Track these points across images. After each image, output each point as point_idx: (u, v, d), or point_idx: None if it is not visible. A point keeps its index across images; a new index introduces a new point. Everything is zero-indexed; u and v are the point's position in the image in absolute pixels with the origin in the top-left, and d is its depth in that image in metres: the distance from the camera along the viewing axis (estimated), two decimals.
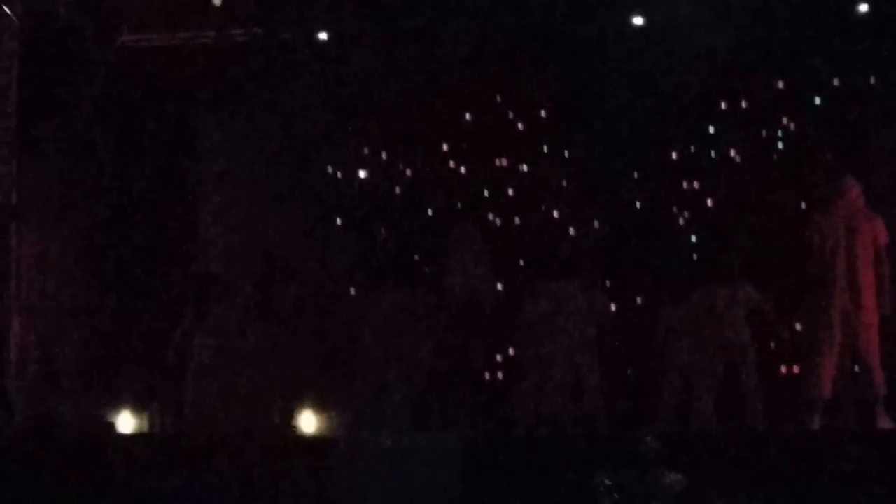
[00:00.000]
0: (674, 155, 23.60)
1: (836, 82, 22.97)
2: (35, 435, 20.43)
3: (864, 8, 21.76)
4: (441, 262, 21.97)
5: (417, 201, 24.05)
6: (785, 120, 23.25)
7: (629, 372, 20.71)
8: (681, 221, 23.71)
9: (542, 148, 24.10)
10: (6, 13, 22.92)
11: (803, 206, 20.29)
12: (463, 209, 23.72)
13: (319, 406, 20.13)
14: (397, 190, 24.41)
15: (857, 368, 18.89)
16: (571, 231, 23.87)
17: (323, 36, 23.44)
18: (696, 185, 23.61)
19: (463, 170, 24.37)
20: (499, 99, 24.11)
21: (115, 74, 23.85)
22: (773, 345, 20.12)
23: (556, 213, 24.06)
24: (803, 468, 16.45)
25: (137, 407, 20.69)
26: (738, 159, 23.46)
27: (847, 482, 15.48)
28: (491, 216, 24.12)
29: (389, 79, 23.53)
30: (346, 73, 23.51)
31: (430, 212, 23.83)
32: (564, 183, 24.06)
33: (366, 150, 24.50)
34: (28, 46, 23.18)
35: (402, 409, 20.18)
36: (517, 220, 24.08)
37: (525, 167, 24.12)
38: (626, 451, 14.77)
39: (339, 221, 24.36)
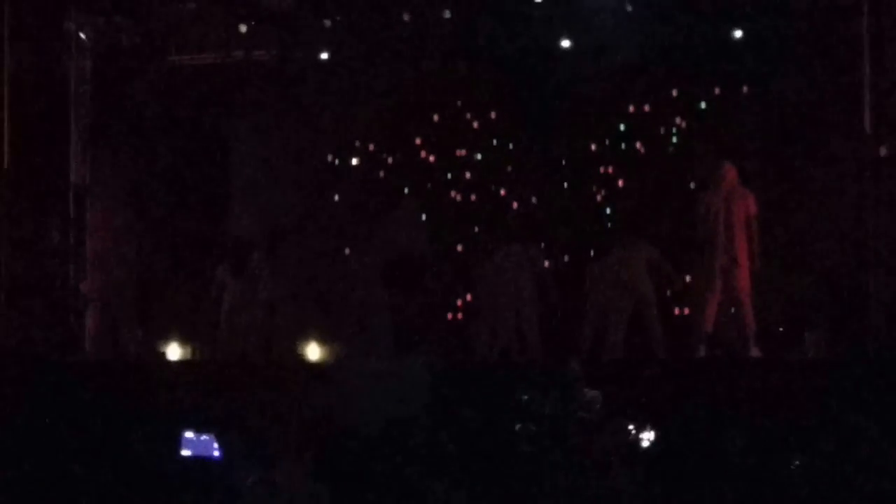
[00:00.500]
0: (593, 147, 23.66)
1: (717, 90, 23.04)
2: (100, 362, 20.43)
3: (738, 34, 21.81)
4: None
5: (394, 183, 24.13)
6: (678, 120, 23.29)
7: (559, 313, 20.59)
8: (598, 198, 23.76)
9: (493, 142, 24.13)
10: (81, 38, 22.90)
11: (692, 185, 20.25)
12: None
13: (322, 338, 20.10)
14: (381, 174, 24.40)
15: (733, 310, 18.96)
16: (515, 205, 23.91)
17: (324, 56, 23.47)
18: (610, 170, 23.67)
19: (432, 159, 24.47)
20: (459, 104, 24.17)
21: (165, 85, 23.87)
22: (668, 292, 20.11)
23: (502, 192, 24.10)
24: (691, 386, 16.51)
25: (183, 340, 20.64)
26: (642, 150, 23.51)
27: (724, 401, 15.49)
28: (453, 194, 24.19)
29: (372, 89, 23.61)
30: (340, 85, 23.59)
31: (406, 190, 23.84)
32: (510, 168, 24.10)
33: (356, 143, 24.52)
34: (98, 63, 23.19)
35: (383, 342, 20.19)
36: (474, 197, 24.12)
37: (479, 156, 24.16)
38: (556, 374, 14.78)
39: (336, 198, 24.39)
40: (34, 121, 21.69)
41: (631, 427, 13.29)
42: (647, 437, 13.08)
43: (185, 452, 9.96)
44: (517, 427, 13.57)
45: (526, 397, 14.54)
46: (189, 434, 10.06)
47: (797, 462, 9.01)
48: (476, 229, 23.67)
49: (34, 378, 17.53)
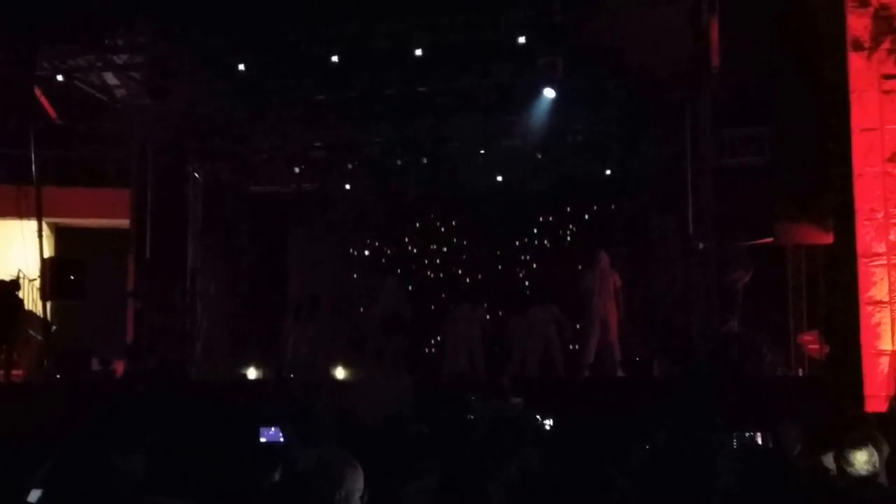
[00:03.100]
0: (517, 242, 23.82)
1: (595, 207, 23.21)
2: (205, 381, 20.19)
3: (608, 172, 21.94)
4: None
5: (387, 267, 24.15)
6: (571, 225, 23.53)
7: (495, 349, 20.35)
8: (521, 275, 23.79)
9: (453, 240, 24.31)
10: (196, 176, 22.89)
11: (580, 267, 20.08)
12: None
13: (345, 365, 19.91)
14: (382, 261, 24.50)
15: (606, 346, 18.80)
16: (467, 280, 23.92)
17: (347, 187, 23.58)
18: (528, 257, 23.80)
19: (415, 251, 24.64)
20: (432, 216, 24.44)
21: (247, 205, 23.93)
22: (565, 336, 19.87)
23: (459, 272, 24.13)
24: (578, 394, 16.32)
25: (259, 364, 20.49)
26: (548, 245, 23.66)
27: (600, 403, 15.28)
28: (428, 272, 24.28)
29: (377, 208, 23.73)
30: (357, 205, 23.74)
31: (399, 271, 23.84)
32: (464, 256, 24.19)
33: (367, 241, 24.62)
34: (206, 191, 23.23)
35: (387, 367, 19.95)
36: (441, 275, 24.18)
37: (445, 249, 24.38)
38: (494, 388, 14.58)
39: (354, 276, 24.41)
40: (166, 227, 21.58)
41: (538, 416, 13.17)
42: (548, 423, 12.98)
43: (263, 439, 9.88)
44: (469, 418, 13.42)
45: (474, 400, 14.36)
46: (264, 428, 9.99)
47: (644, 443, 9.08)
48: (442, 295, 23.64)
49: (165, 390, 17.30)
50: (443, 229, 24.57)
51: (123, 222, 22.07)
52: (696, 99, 18.91)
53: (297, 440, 9.45)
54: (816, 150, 15.26)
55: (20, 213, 19.13)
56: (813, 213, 15.49)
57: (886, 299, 14.23)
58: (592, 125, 21.16)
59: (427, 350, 23.44)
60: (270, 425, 10.03)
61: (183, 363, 21.22)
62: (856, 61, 14.39)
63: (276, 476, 7.34)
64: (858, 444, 7.65)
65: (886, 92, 14.29)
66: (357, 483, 5.87)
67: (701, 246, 18.63)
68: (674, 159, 20.22)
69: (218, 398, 15.47)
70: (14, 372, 18.06)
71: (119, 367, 19.84)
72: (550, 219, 23.86)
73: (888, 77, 14.28)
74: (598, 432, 9.17)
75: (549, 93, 19.18)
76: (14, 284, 18.27)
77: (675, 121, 19.80)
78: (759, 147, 19.02)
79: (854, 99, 14.37)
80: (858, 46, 14.37)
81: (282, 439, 9.91)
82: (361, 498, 5.86)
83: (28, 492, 6.58)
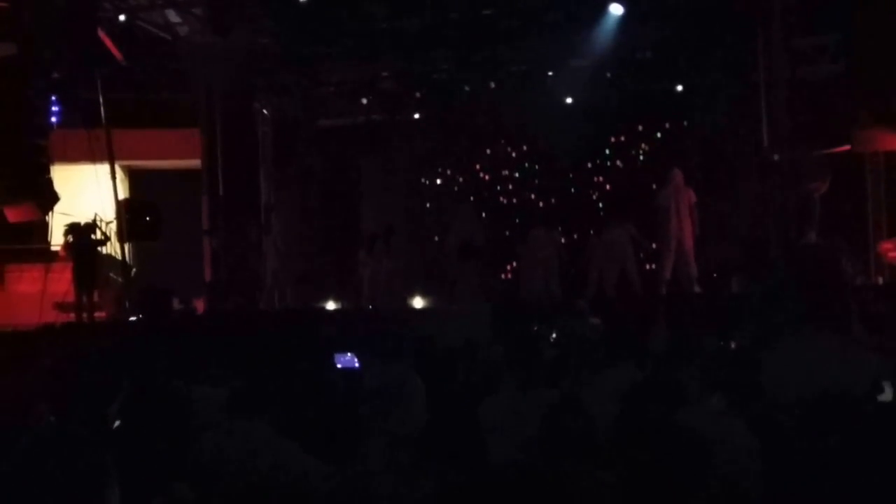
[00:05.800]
0: (589, 164, 23.66)
1: (667, 125, 22.91)
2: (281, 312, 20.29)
3: (679, 88, 21.68)
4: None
5: (460, 195, 24.07)
6: (643, 144, 23.33)
7: (572, 271, 20.26)
8: (594, 196, 23.65)
9: (525, 164, 24.15)
10: (264, 112, 22.93)
11: (654, 185, 19.88)
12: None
13: (423, 293, 19.97)
14: (455, 188, 24.44)
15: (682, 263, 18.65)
16: (541, 204, 23.83)
17: (416, 116, 23.52)
18: (601, 178, 23.68)
19: (487, 177, 24.53)
20: (502, 142, 24.31)
21: (317, 139, 23.92)
22: (642, 255, 19.73)
23: (532, 196, 24.03)
24: (657, 313, 16.14)
25: (335, 298, 20.60)
26: (620, 165, 23.46)
27: (677, 319, 15.11)
28: (501, 198, 24.18)
29: (445, 136, 23.62)
30: (427, 135, 23.66)
31: (471, 198, 23.85)
32: (536, 181, 24.09)
33: (439, 169, 24.55)
34: (275, 127, 23.24)
35: (464, 294, 19.94)
36: (515, 200, 24.10)
37: (517, 174, 24.22)
38: (570, 309, 14.51)
39: (427, 205, 24.41)
40: (238, 164, 21.61)
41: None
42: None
43: (339, 365, 9.92)
44: (551, 338, 13.37)
45: (551, 320, 14.32)
46: (339, 354, 10.03)
47: (727, 345, 9.09)
48: (516, 220, 23.61)
49: (242, 320, 17.40)
50: (513, 154, 24.46)
51: (195, 162, 22.12)
52: (767, 8, 18.53)
53: (372, 365, 9.48)
54: None
55: (93, 158, 19.08)
56: (892, 117, 15.19)
57: None
58: (661, 41, 20.77)
59: (503, 275, 23.44)
60: (346, 352, 10.10)
61: (259, 296, 21.36)
62: None
63: (352, 400, 7.37)
64: None
65: None
66: (419, 397, 5.84)
67: (776, 157, 18.33)
68: (745, 71, 19.89)
69: (294, 327, 15.55)
70: (97, 314, 18.22)
71: (199, 305, 20.00)
72: (622, 139, 23.66)
73: None
74: (673, 343, 9.08)
75: (615, 9, 18.90)
76: (91, 228, 18.38)
77: (745, 32, 19.42)
78: (833, 55, 18.61)
79: None
80: None
81: (356, 365, 9.97)
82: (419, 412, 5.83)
83: (112, 422, 6.69)
